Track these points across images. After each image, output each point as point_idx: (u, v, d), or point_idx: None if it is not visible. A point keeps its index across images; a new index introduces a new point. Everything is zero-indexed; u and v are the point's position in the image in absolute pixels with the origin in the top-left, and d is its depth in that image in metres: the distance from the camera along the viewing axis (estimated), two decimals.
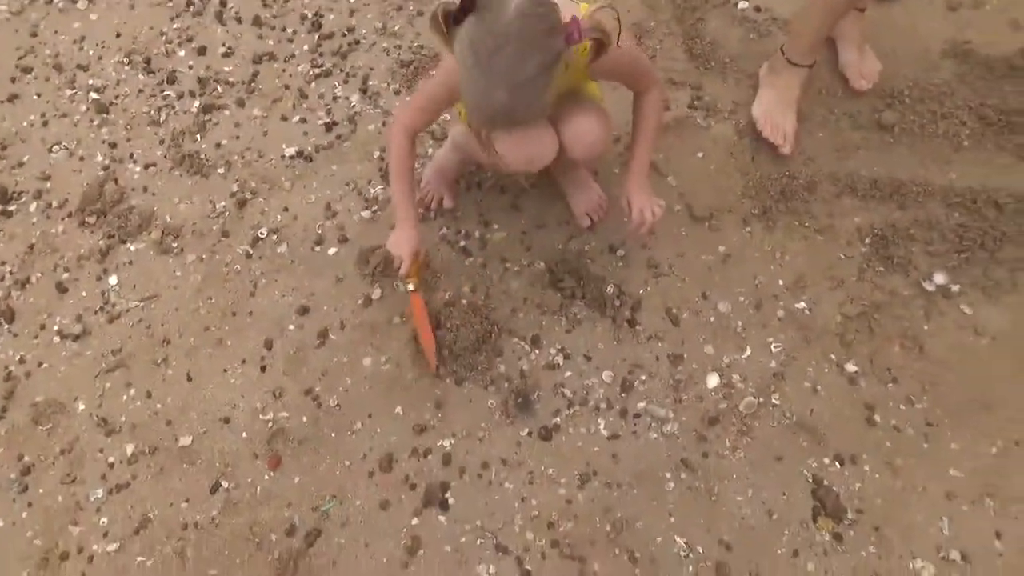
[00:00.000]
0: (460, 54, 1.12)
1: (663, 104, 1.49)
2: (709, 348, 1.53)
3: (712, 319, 1.56)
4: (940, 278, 1.57)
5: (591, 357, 1.52)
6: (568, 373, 1.51)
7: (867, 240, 1.62)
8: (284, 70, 1.92)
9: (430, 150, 1.76)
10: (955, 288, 1.56)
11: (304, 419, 1.48)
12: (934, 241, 1.61)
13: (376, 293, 1.60)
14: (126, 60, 1.95)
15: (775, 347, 1.52)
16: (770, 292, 1.58)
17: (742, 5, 1.94)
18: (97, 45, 1.98)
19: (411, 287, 1.51)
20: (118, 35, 1.99)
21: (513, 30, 1.07)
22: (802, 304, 1.57)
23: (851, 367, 1.49)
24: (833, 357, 1.51)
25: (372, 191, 1.73)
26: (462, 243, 1.66)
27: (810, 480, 1.39)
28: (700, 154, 1.74)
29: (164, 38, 1.98)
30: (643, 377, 1.50)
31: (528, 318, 1.56)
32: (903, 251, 1.60)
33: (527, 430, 1.46)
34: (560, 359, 1.52)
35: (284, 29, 1.98)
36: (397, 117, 1.45)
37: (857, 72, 1.76)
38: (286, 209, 1.72)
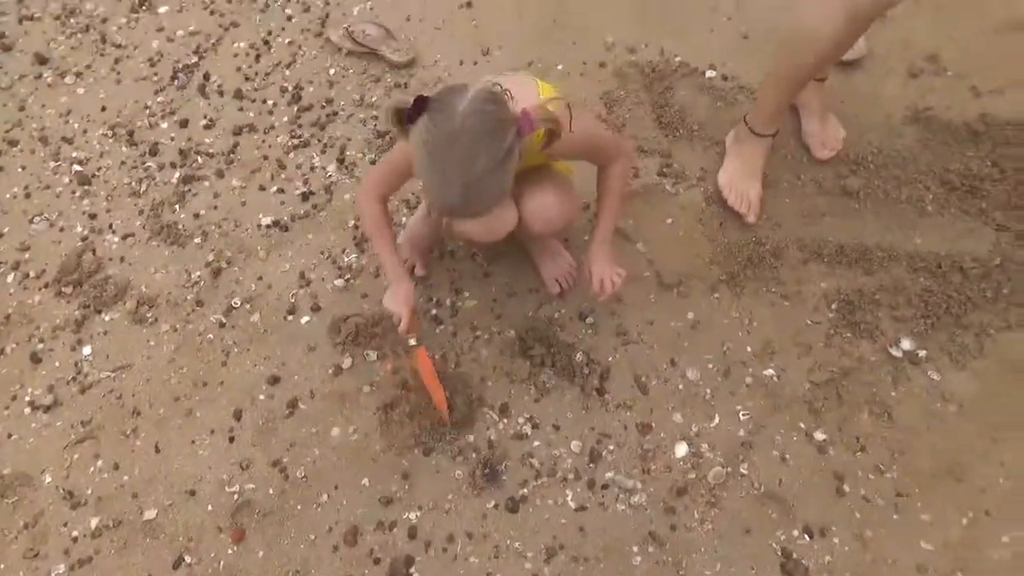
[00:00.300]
0: (415, 151, 1.18)
1: (627, 175, 1.55)
2: (678, 416, 1.55)
3: (681, 387, 1.58)
4: (907, 344, 1.60)
5: (559, 426, 1.54)
6: (536, 443, 1.53)
7: (834, 306, 1.66)
8: (263, 141, 1.99)
9: (404, 219, 1.81)
10: (922, 353, 1.59)
11: (270, 491, 1.50)
12: (900, 306, 1.64)
13: (347, 362, 1.64)
14: (110, 133, 2.03)
15: (743, 415, 1.54)
16: (738, 359, 1.61)
17: (709, 74, 2.02)
18: (83, 118, 2.07)
19: (413, 342, 1.53)
20: (103, 108, 2.08)
21: (464, 130, 1.13)
22: (770, 371, 1.59)
23: (820, 435, 1.51)
24: (802, 425, 1.53)
25: (346, 260, 1.78)
26: (433, 311, 1.69)
27: (779, 553, 1.39)
28: (669, 220, 1.80)
29: (148, 111, 2.07)
30: (611, 447, 1.52)
31: (497, 386, 1.59)
32: (870, 317, 1.64)
33: (494, 502, 1.47)
34: (528, 428, 1.54)
35: (265, 101, 2.07)
36: (364, 185, 1.52)
37: (819, 141, 1.82)
38: (260, 278, 1.77)
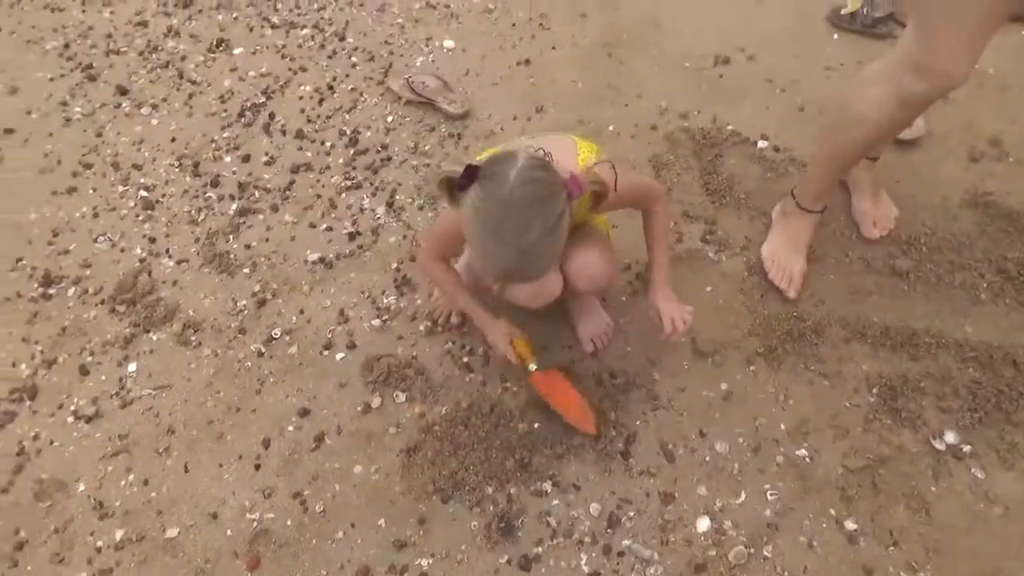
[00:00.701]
0: (467, 219, 1.23)
1: (669, 212, 1.62)
2: (702, 489, 1.56)
3: (708, 459, 1.60)
4: (951, 437, 1.59)
5: (580, 487, 1.57)
6: (555, 501, 1.56)
7: (875, 390, 1.66)
8: (318, 180, 2.14)
9: None
10: (967, 449, 1.57)
11: (288, 522, 1.56)
12: (946, 396, 1.63)
13: (376, 402, 1.71)
14: (177, 163, 2.21)
15: (771, 495, 1.54)
16: (770, 435, 1.62)
17: (761, 144, 2.08)
18: (154, 147, 2.26)
19: (533, 366, 1.60)
20: (173, 139, 2.27)
21: (517, 198, 1.18)
22: (803, 451, 1.59)
23: (851, 524, 1.50)
24: (832, 512, 1.52)
25: (385, 301, 1.88)
26: (465, 359, 1.76)
27: None
28: (709, 288, 1.84)
29: (214, 145, 2.25)
30: (631, 513, 1.54)
31: (520, 440, 1.63)
32: (913, 404, 1.63)
33: (507, 557, 1.50)
34: (548, 486, 1.57)
35: (323, 143, 2.22)
36: (425, 251, 1.63)
37: (869, 220, 1.85)
38: (302, 312, 1.88)
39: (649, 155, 2.08)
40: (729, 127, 2.13)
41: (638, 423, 1.65)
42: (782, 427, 1.63)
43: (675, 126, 2.15)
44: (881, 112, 1.45)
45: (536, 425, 1.65)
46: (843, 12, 2.42)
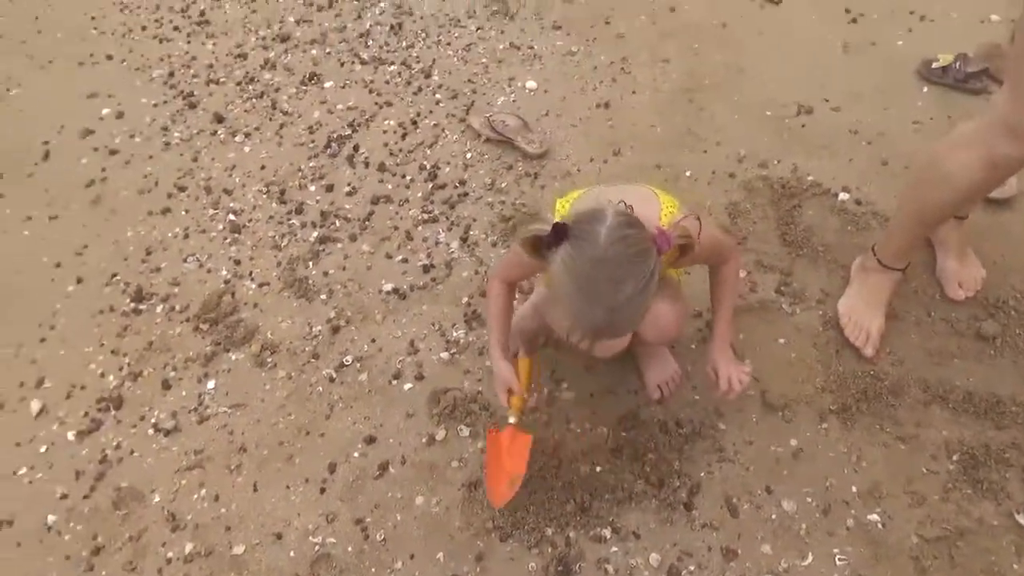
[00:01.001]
0: (556, 277, 1.25)
1: (739, 269, 1.61)
2: (767, 548, 1.55)
3: (774, 516, 1.59)
4: None
5: (640, 535, 1.58)
6: (614, 548, 1.57)
7: (955, 457, 1.62)
8: (397, 212, 2.24)
9: (516, 303, 1.96)
10: None
11: (349, 548, 1.62)
12: None
13: (440, 434, 1.77)
14: (265, 189, 2.36)
15: (840, 559, 1.52)
16: (841, 497, 1.60)
17: (842, 196, 2.08)
18: (244, 174, 2.41)
19: (512, 420, 1.61)
20: (263, 167, 2.42)
21: (609, 257, 1.20)
22: (875, 516, 1.57)
23: None
24: None
25: (455, 334, 1.95)
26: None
27: None
28: (781, 340, 1.84)
29: (300, 174, 2.39)
30: (692, 567, 1.54)
31: (583, 483, 1.66)
32: (996, 476, 1.59)
33: None
34: (608, 532, 1.59)
35: (404, 176, 2.33)
36: (495, 272, 1.69)
37: (955, 281, 1.82)
38: (373, 340, 1.96)
39: (726, 203, 2.11)
40: (809, 177, 2.13)
41: (703, 474, 1.65)
42: (854, 489, 1.61)
43: (754, 174, 2.17)
44: (970, 174, 1.44)
45: (598, 468, 1.67)
46: (935, 65, 2.40)
